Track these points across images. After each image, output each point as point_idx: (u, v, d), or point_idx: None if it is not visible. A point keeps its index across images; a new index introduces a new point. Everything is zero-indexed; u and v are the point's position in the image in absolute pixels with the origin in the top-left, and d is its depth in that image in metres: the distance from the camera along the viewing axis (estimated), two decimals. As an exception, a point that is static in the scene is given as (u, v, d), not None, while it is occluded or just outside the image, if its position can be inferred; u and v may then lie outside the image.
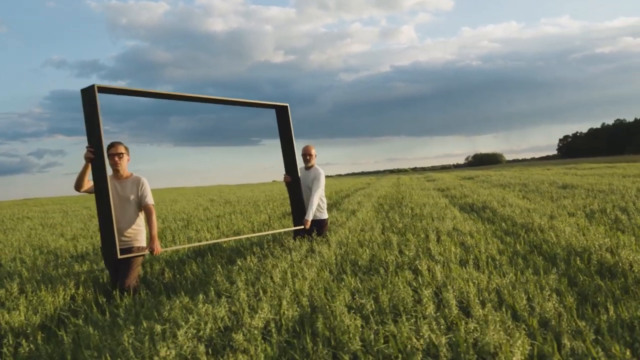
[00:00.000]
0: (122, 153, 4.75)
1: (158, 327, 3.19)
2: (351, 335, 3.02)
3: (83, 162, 4.43)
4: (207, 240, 8.26)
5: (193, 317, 3.35)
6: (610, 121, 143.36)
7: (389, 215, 9.91)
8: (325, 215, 6.74)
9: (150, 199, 4.88)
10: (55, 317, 4.37)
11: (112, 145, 4.71)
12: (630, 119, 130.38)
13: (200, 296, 3.92)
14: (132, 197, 4.78)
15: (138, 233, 4.84)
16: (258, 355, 2.86)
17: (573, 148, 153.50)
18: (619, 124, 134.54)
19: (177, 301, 3.88)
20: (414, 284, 4.16)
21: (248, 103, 5.73)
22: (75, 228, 12.15)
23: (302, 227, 6.29)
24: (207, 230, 9.62)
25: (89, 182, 4.62)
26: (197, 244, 5.66)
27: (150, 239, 4.71)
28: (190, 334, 3.10)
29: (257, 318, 3.37)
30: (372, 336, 2.97)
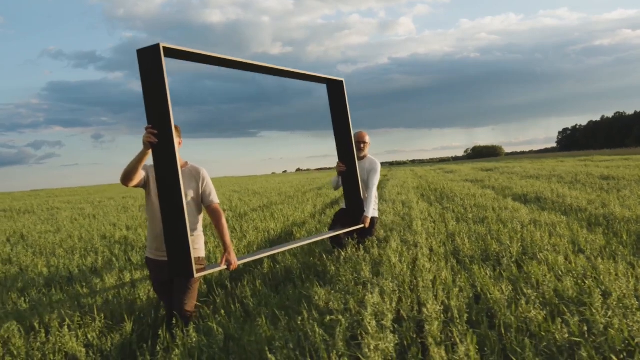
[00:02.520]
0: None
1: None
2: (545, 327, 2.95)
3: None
4: (274, 231, 8.19)
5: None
6: (610, 114, 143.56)
7: (445, 206, 9.85)
8: (377, 212, 5.81)
9: (215, 197, 3.75)
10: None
11: None
12: (630, 112, 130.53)
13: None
14: (190, 194, 3.63)
15: (197, 240, 3.72)
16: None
17: (573, 141, 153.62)
18: (619, 117, 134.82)
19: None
20: (555, 272, 4.09)
21: (302, 75, 4.85)
22: (118, 218, 12.05)
23: (362, 226, 5.36)
24: (262, 220, 9.52)
25: (141, 174, 3.51)
26: (275, 251, 4.45)
27: (224, 248, 3.66)
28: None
29: (431, 305, 3.30)
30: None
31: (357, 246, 5.42)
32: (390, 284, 3.99)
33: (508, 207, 8.89)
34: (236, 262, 3.68)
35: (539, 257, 4.75)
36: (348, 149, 5.37)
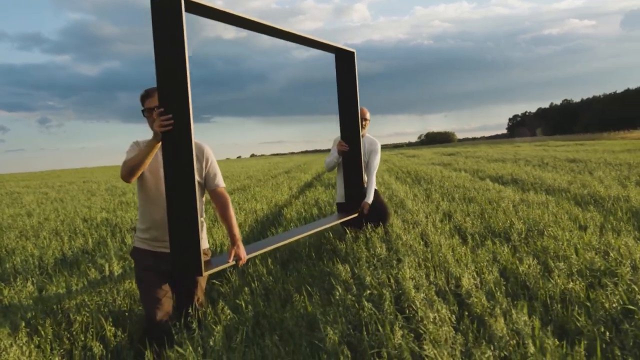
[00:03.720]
0: None
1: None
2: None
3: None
4: (262, 211, 8.09)
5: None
6: (558, 101, 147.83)
7: (426, 188, 9.95)
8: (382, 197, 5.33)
9: (221, 180, 3.17)
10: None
11: (148, 95, 2.98)
12: (577, 99, 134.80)
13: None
14: None
15: (200, 228, 2.97)
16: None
17: (523, 125, 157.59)
18: (567, 104, 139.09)
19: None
20: (572, 246, 4.16)
21: (313, 42, 4.32)
22: (90, 202, 11.68)
23: (357, 214, 4.87)
24: (245, 201, 9.39)
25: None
26: (289, 239, 3.95)
27: (232, 241, 3.09)
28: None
29: (467, 279, 3.31)
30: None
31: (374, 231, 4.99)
32: (414, 260, 3.98)
33: (489, 188, 9.05)
34: (245, 257, 3.11)
35: (545, 233, 4.83)
36: (353, 127, 4.90)
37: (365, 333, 2.74)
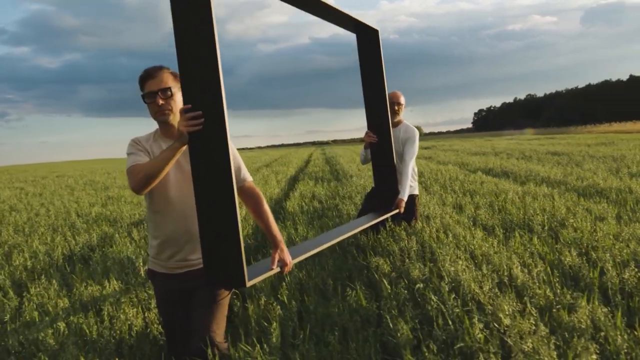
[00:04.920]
0: (170, 87, 2.42)
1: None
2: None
3: None
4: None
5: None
6: (522, 96, 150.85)
7: (420, 181, 9.96)
8: (416, 189, 4.83)
9: (248, 173, 2.66)
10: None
11: (149, 75, 2.42)
12: (540, 94, 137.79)
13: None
14: None
15: None
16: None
17: (487, 121, 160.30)
18: (530, 99, 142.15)
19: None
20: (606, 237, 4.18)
21: (336, 15, 3.62)
22: (75, 196, 11.35)
23: (397, 211, 4.38)
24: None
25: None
26: (330, 242, 3.35)
27: (273, 244, 2.56)
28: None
29: (519, 271, 3.28)
30: None
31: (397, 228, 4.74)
32: (453, 252, 3.94)
33: (484, 181, 9.08)
34: (291, 262, 2.59)
35: (566, 224, 4.85)
36: (381, 115, 4.32)
37: (436, 327, 2.68)
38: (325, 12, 3.50)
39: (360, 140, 7.31)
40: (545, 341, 2.31)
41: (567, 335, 2.42)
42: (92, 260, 4.84)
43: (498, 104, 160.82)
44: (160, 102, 2.40)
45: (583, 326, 2.47)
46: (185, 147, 2.24)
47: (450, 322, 2.72)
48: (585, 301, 2.80)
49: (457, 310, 2.82)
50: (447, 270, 3.46)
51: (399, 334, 2.66)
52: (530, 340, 2.25)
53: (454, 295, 2.94)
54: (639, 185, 7.06)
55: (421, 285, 3.26)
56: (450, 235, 4.57)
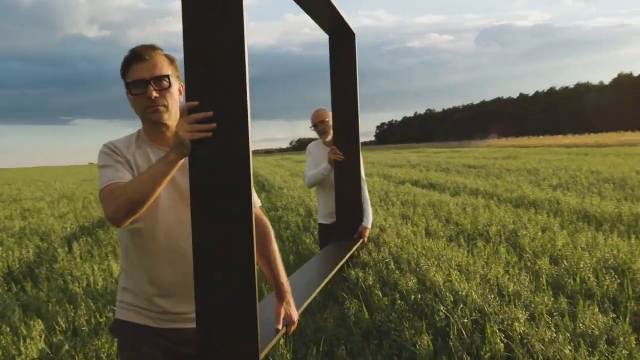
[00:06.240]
0: (168, 76, 1.78)
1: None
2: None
3: None
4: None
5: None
6: (422, 111, 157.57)
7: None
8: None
9: (257, 197, 1.92)
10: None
11: (138, 57, 1.77)
12: (439, 109, 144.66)
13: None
14: None
15: None
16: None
17: (389, 135, 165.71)
18: (430, 114, 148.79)
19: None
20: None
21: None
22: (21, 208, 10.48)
23: (362, 242, 3.83)
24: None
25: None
26: (323, 284, 2.68)
27: (277, 294, 1.92)
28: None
29: (507, 282, 3.40)
30: None
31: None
32: (432, 262, 4.01)
33: (417, 193, 9.34)
34: (297, 318, 1.94)
35: (519, 235, 5.09)
36: (350, 129, 3.80)
37: (453, 338, 2.72)
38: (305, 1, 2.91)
39: (265, 152, 7.01)
40: (570, 347, 2.40)
41: (582, 341, 2.53)
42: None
43: (399, 118, 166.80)
44: (154, 94, 1.72)
45: (596, 332, 2.59)
46: (184, 161, 1.60)
47: (465, 333, 2.76)
48: (583, 307, 2.94)
49: (466, 320, 2.87)
50: (433, 280, 3.52)
51: (417, 346, 2.67)
52: (553, 348, 2.33)
53: (462, 306, 2.99)
54: (565, 196, 7.54)
55: (419, 296, 3.29)
56: (420, 246, 4.66)
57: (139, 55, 1.74)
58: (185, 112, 1.56)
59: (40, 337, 3.21)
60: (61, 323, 3.48)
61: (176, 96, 1.81)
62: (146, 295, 1.78)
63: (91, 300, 3.88)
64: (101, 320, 3.53)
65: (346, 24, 3.44)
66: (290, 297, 1.90)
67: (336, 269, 2.99)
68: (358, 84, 3.78)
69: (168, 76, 1.75)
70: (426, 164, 18.34)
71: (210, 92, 1.55)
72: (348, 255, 3.36)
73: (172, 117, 1.79)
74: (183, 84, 1.82)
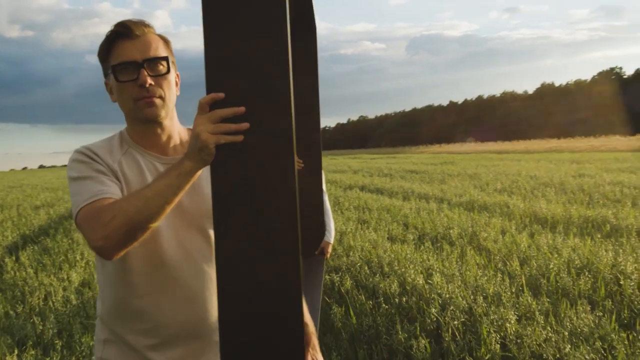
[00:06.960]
0: (166, 58, 1.30)
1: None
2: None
3: None
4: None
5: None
6: (355, 117, 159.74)
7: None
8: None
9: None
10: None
11: (127, 33, 1.26)
12: (371, 116, 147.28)
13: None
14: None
15: None
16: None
17: (323, 141, 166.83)
18: (363, 120, 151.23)
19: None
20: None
21: None
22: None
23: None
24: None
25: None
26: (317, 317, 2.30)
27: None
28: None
29: (480, 279, 3.46)
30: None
31: None
32: (407, 266, 4.04)
33: (367, 198, 9.42)
34: None
35: (480, 236, 5.21)
36: (313, 134, 3.10)
37: (447, 339, 2.73)
38: None
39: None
40: (569, 345, 2.46)
41: (581, 340, 2.60)
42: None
43: (333, 124, 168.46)
44: (149, 80, 1.26)
45: (586, 330, 2.67)
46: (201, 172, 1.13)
47: (457, 335, 2.78)
48: (564, 307, 3.03)
49: (456, 322, 2.89)
50: (414, 283, 3.54)
51: (413, 349, 2.66)
52: (551, 347, 2.38)
53: (451, 308, 3.01)
54: (512, 200, 7.80)
55: (404, 299, 3.30)
56: (388, 249, 4.68)
57: (128, 31, 1.26)
58: (206, 107, 1.06)
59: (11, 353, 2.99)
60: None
61: (174, 87, 1.35)
62: (138, 348, 1.33)
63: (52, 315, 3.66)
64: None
65: (312, 16, 2.74)
66: (315, 340, 1.46)
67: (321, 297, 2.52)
68: (319, 84, 3.36)
69: (166, 58, 1.30)
70: (367, 169, 18.54)
71: (251, 84, 1.03)
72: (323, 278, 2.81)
73: (169, 114, 1.34)
74: (178, 73, 1.39)
